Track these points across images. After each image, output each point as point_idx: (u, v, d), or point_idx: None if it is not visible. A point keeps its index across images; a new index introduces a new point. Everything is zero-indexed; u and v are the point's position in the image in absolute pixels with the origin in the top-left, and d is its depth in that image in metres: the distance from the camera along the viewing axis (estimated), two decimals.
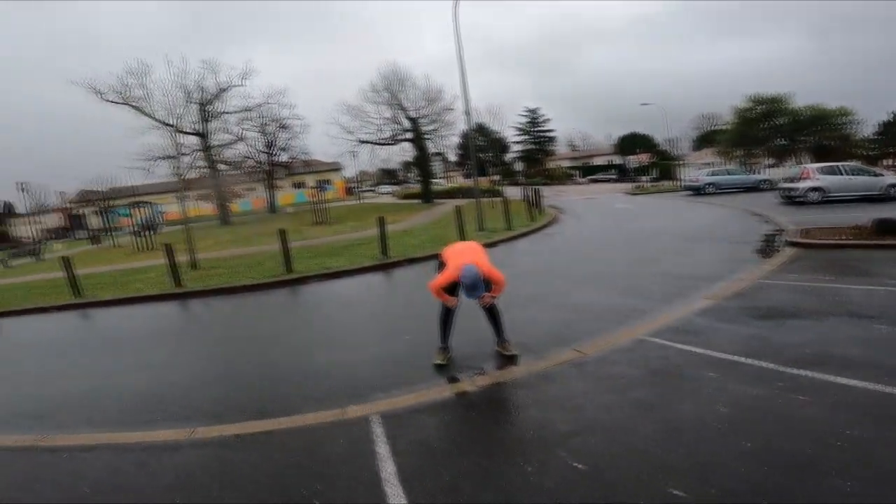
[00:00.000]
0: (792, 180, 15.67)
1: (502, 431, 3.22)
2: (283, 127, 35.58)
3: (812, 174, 14.89)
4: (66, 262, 10.24)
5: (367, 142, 32.51)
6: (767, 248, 8.37)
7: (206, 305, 8.62)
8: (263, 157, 36.45)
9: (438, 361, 4.31)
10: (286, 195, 50.83)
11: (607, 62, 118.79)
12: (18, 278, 15.80)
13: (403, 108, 31.66)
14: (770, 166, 35.12)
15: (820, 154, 28.48)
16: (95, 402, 4.46)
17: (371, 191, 74.14)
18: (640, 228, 12.57)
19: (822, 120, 29.40)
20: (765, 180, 23.17)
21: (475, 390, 3.84)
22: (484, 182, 34.08)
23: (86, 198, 48.88)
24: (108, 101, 26.59)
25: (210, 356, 5.66)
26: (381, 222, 11.05)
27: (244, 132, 34.02)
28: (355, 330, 5.82)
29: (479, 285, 3.89)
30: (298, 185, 53.03)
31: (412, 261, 10.33)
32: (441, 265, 4.35)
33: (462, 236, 12.04)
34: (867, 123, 31.93)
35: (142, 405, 4.25)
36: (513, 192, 26.00)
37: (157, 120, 13.44)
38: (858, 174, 14.98)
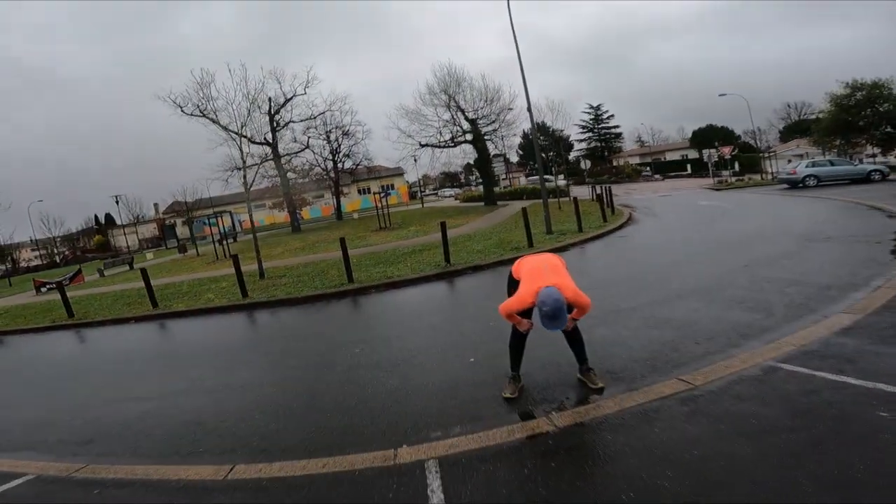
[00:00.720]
0: None
1: (592, 492, 2.47)
2: (346, 133, 35.72)
3: None
4: (145, 275, 10.66)
5: (427, 145, 32.31)
6: None
7: (267, 318, 8.50)
8: (329, 165, 36.91)
9: (508, 395, 3.62)
10: (352, 201, 52.21)
11: (673, 56, 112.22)
12: (111, 287, 17.03)
13: (461, 110, 31.16)
14: (872, 156, 31.23)
15: None
16: (145, 427, 4.22)
17: (434, 194, 74.78)
18: (736, 228, 11.07)
19: None
20: (876, 170, 20.29)
21: (554, 431, 3.11)
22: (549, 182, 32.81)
23: (175, 209, 53.25)
24: (188, 114, 28.22)
25: (262, 378, 5.34)
26: (444, 228, 10.52)
27: (310, 140, 34.41)
28: (414, 349, 5.26)
29: (562, 315, 3.12)
30: (363, 191, 54.36)
31: (476, 268, 9.68)
32: (512, 284, 3.67)
33: (529, 240, 11.23)
34: None
35: (189, 433, 3.94)
36: (579, 192, 24.65)
37: (228, 131, 13.91)
38: None
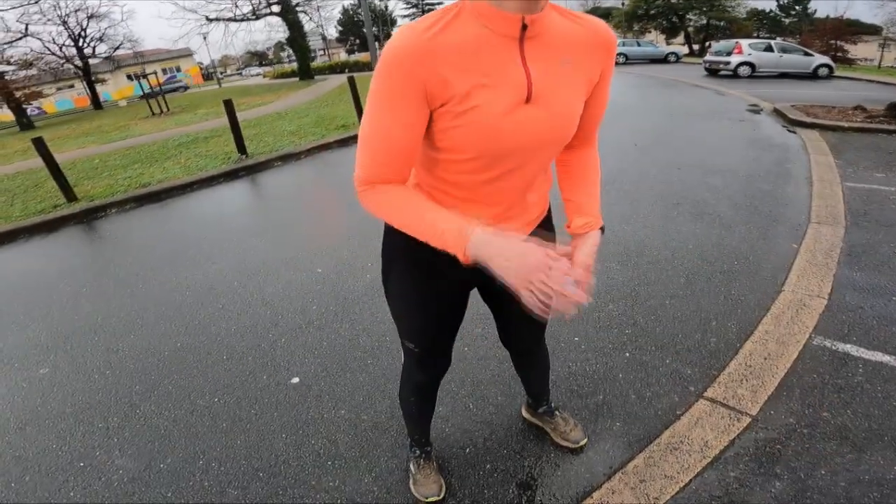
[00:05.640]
0: (719, 54, 14.93)
1: None
2: (93, 16, 28.35)
3: (744, 49, 14.16)
4: None
5: (217, 19, 25.03)
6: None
7: None
8: (72, 52, 28.74)
9: (432, 498, 1.27)
10: (122, 88, 40.44)
11: None
12: None
13: None
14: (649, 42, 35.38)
15: (708, 33, 30.30)
16: None
17: (238, 74, 63.14)
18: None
19: (710, 1, 30.26)
20: (672, 53, 22.90)
21: None
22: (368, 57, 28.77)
23: None
24: None
25: None
26: (230, 106, 6.87)
27: (28, 27, 25.68)
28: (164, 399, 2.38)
29: None
30: (139, 77, 42.30)
31: (286, 158, 6.59)
32: None
33: (360, 114, 8.32)
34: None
35: None
36: None
37: None
38: (790, 52, 14.69)
